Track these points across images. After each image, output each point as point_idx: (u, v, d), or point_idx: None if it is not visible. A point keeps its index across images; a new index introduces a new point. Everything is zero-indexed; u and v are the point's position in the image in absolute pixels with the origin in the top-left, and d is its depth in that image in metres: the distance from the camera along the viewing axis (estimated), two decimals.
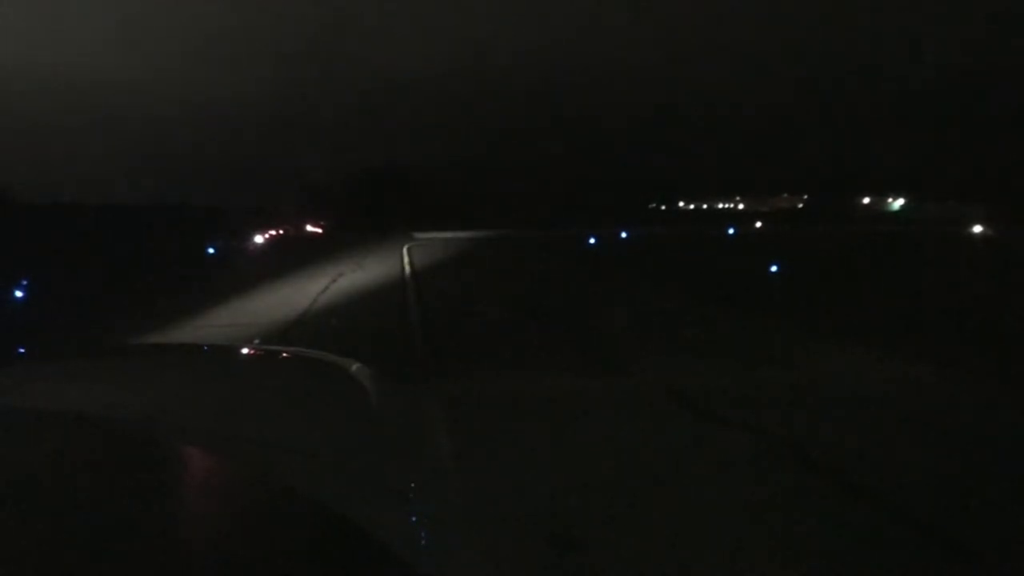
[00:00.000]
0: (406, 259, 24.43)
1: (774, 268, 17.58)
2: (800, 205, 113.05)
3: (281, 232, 58.13)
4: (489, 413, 5.43)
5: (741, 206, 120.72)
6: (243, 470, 0.95)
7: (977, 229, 37.83)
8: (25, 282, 14.93)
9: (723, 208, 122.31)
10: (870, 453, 4.44)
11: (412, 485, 1.03)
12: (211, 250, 31.38)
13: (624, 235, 40.29)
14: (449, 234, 48.54)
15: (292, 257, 26.77)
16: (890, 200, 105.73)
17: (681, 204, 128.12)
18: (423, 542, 0.87)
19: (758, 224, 57.02)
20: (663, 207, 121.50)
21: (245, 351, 2.60)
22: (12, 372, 1.52)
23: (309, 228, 68.89)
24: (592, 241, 34.58)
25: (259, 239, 44.64)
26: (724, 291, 13.51)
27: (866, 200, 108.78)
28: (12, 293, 14.14)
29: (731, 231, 45.55)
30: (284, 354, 2.04)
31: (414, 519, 0.92)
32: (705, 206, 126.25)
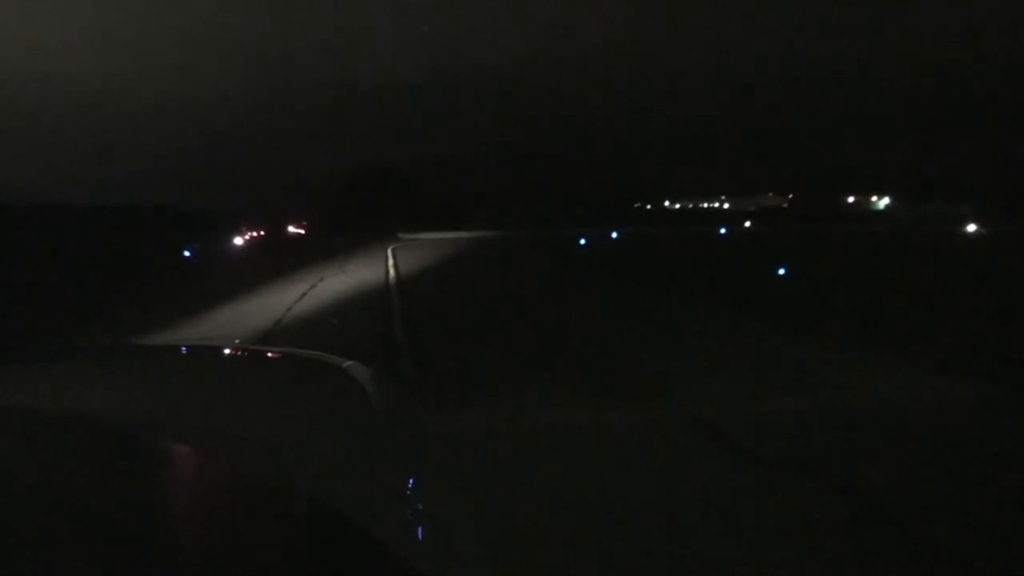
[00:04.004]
0: (391, 262, 23.46)
1: (782, 271, 16.73)
2: (785, 204, 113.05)
3: (263, 234, 57.00)
4: (490, 454, 4.47)
5: (727, 205, 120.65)
6: (242, 469, 0.94)
7: (971, 228, 37.33)
8: None
9: (709, 207, 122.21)
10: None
11: (410, 483, 1.02)
12: (187, 253, 30.31)
13: (614, 235, 39.61)
14: (436, 235, 47.64)
15: (272, 260, 25.81)
16: (874, 199, 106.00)
17: (667, 204, 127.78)
18: (421, 540, 0.85)
19: (747, 224, 56.54)
20: (648, 207, 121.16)
21: (242, 351, 2.55)
22: (10, 372, 1.50)
23: (292, 229, 67.77)
24: (583, 242, 33.81)
25: (239, 241, 43.62)
26: (727, 295, 12.63)
27: (851, 199, 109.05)
28: None
29: (723, 231, 44.99)
30: (281, 354, 2.02)
31: (412, 517, 0.90)
32: (691, 205, 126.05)
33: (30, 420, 1.08)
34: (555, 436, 4.89)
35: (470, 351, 8.06)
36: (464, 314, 11.31)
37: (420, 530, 0.88)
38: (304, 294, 14.07)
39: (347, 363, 1.58)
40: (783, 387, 6.15)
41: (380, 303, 12.67)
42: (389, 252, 28.35)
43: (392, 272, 19.41)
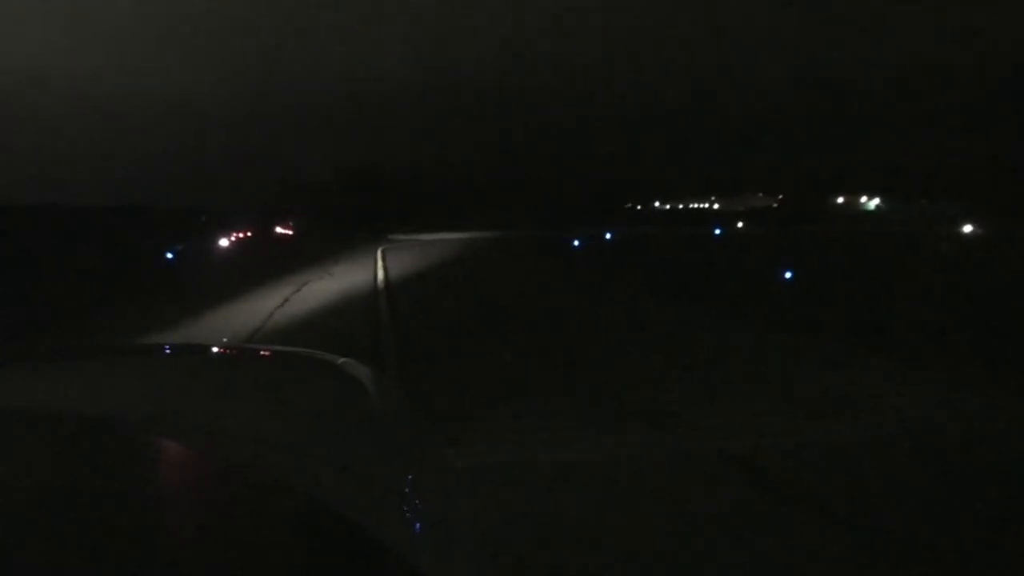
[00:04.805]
0: (380, 264, 22.73)
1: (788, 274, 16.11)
2: (775, 205, 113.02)
3: (249, 235, 56.01)
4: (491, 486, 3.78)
5: (716, 206, 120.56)
6: (237, 468, 0.93)
7: (967, 229, 36.93)
8: None
9: (699, 208, 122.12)
10: None
11: (409, 479, 1.02)
12: (170, 255, 29.42)
13: (608, 236, 39.11)
14: (430, 236, 46.92)
15: (257, 261, 25.09)
16: (864, 199, 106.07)
17: (657, 204, 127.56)
18: (420, 539, 0.85)
19: (740, 224, 56.14)
20: (639, 207, 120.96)
21: (242, 350, 2.52)
22: (10, 372, 1.49)
23: (279, 230, 66.77)
24: (576, 243, 33.27)
25: (225, 242, 42.73)
26: (734, 301, 12.01)
27: (840, 200, 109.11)
28: None
29: (717, 231, 44.59)
30: (280, 352, 1.96)
31: (409, 515, 0.90)
32: (681, 206, 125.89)
33: (27, 420, 1.07)
34: (552, 471, 4.20)
35: (460, 364, 7.37)
36: (457, 321, 10.61)
37: (418, 528, 0.86)
38: (287, 299, 13.33)
39: (342, 360, 1.54)
40: (809, 408, 5.48)
41: (368, 309, 11.97)
42: (379, 254, 27.65)
43: (381, 275, 18.71)
